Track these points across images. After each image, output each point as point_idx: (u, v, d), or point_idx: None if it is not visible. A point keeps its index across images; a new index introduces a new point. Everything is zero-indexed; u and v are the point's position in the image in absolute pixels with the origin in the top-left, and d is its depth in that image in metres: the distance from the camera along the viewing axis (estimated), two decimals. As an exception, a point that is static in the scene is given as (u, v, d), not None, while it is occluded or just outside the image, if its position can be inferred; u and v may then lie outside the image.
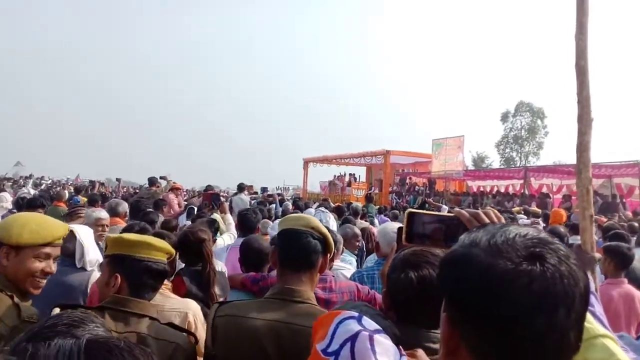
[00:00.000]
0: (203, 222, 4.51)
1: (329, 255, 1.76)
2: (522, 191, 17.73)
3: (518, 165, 40.71)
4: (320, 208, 8.28)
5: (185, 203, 9.03)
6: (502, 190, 19.78)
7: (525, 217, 9.17)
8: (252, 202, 9.94)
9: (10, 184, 19.00)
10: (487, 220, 0.99)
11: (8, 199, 7.91)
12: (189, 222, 5.76)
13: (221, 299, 2.81)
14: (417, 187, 22.85)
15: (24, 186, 17.04)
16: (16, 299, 1.65)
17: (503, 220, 0.98)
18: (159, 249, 1.75)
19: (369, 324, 0.96)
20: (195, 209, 7.16)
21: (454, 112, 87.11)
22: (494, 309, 0.66)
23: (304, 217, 1.78)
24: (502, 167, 38.54)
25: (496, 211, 1.04)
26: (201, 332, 1.97)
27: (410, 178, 23.83)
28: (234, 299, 2.55)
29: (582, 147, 1.80)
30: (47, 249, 1.75)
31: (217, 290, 2.77)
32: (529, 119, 46.12)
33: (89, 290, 2.58)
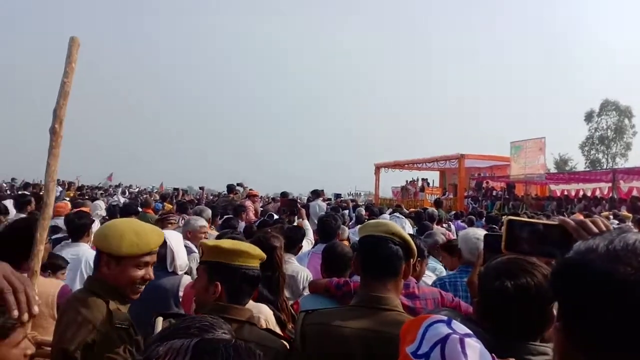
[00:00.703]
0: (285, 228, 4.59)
1: (411, 260, 1.74)
2: (610, 195, 16.58)
3: (605, 167, 38.15)
4: (395, 213, 8.19)
5: (262, 209, 9.26)
6: (589, 194, 18.62)
7: (617, 222, 8.56)
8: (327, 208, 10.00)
9: (102, 192, 20.41)
10: (595, 230, 0.93)
11: (102, 206, 8.50)
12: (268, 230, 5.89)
13: (291, 302, 2.86)
14: (494, 191, 22.02)
15: (114, 195, 18.26)
16: (111, 305, 1.74)
17: (612, 229, 0.92)
18: (254, 256, 1.78)
19: (459, 327, 0.95)
20: (274, 214, 7.33)
21: (532, 113, 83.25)
22: (614, 318, 0.63)
23: (384, 223, 1.75)
24: (587, 169, 36.29)
25: (605, 220, 0.98)
26: None
27: (487, 182, 23.02)
28: (314, 303, 2.58)
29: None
30: (147, 258, 1.82)
31: (286, 294, 2.81)
32: (615, 119, 43.28)
33: (180, 294, 2.71)
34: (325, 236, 4.33)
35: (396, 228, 1.71)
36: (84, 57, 2.05)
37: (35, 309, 0.86)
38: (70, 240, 3.72)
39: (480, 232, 2.89)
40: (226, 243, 1.80)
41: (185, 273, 3.05)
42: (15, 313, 0.83)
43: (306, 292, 3.15)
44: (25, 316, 0.84)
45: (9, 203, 6.20)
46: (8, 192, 15.84)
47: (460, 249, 3.16)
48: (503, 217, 10.41)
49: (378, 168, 27.52)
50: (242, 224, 6.23)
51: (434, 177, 26.76)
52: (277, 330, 2.10)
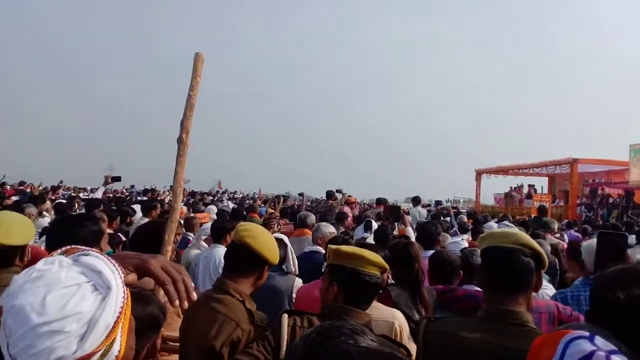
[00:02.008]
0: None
1: (542, 271, 1.64)
2: None
3: None
4: (504, 222, 7.80)
5: (361, 215, 9.27)
6: None
7: None
8: (427, 215, 9.80)
9: (211, 198, 21.68)
10: None
11: (214, 211, 9.03)
12: (367, 234, 5.90)
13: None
14: (611, 198, 20.15)
15: (221, 200, 19.33)
16: (248, 304, 1.86)
17: None
18: (373, 263, 1.80)
19: (603, 343, 0.88)
20: (373, 221, 7.31)
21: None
22: None
23: (513, 233, 1.67)
24: None
25: None
26: (407, 344, 1.97)
27: (602, 189, 21.11)
28: None
29: None
30: None
31: None
32: None
33: (294, 295, 2.80)
34: (425, 243, 4.24)
35: (527, 238, 1.63)
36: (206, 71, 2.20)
37: (194, 295, 0.92)
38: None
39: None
40: (347, 247, 1.88)
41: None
42: (177, 303, 0.89)
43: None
44: (186, 304, 0.90)
45: (137, 207, 6.82)
46: (128, 198, 17.37)
47: (584, 260, 2.94)
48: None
49: (479, 174, 26.41)
50: (341, 230, 6.28)
51: (541, 183, 25.14)
52: (410, 342, 2.10)
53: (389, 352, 0.68)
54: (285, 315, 1.69)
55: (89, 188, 19.12)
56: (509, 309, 1.55)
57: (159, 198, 11.73)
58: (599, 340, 0.89)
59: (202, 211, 8.59)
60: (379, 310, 2.20)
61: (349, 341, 0.68)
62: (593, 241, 2.98)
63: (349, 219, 8.74)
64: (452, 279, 2.98)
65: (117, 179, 8.06)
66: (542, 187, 24.28)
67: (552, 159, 21.31)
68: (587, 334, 0.90)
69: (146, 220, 5.37)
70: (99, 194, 7.88)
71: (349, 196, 10.23)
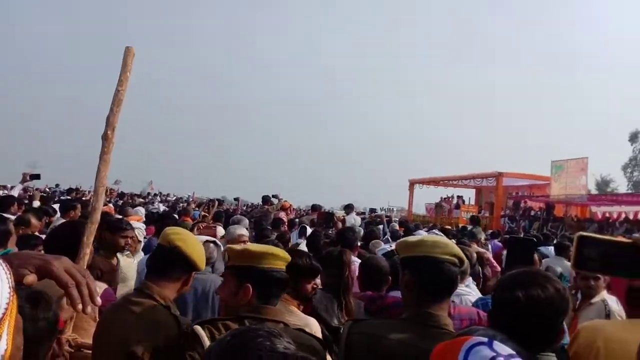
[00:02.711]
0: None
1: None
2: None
3: (650, 190, 36.67)
4: (434, 230, 8.08)
5: (297, 221, 9.29)
6: (631, 217, 17.88)
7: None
8: (362, 222, 9.96)
9: (141, 200, 20.91)
10: None
11: (142, 212, 8.71)
12: (301, 240, 5.92)
13: None
14: (533, 211, 21.42)
15: (152, 202, 18.69)
16: (172, 310, 1.79)
17: None
18: (281, 258, 1.82)
19: (502, 348, 0.91)
20: (307, 227, 7.34)
21: (573, 132, 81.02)
22: None
23: (445, 244, 1.71)
24: (630, 191, 34.95)
25: None
26: None
27: (525, 201, 22.39)
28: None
29: None
30: None
31: None
32: (662, 140, 41.72)
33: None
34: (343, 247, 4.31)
35: (456, 248, 1.69)
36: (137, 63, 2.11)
37: (98, 300, 0.88)
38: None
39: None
40: (254, 247, 1.87)
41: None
42: (80, 307, 0.84)
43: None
44: (89, 308, 0.85)
45: (57, 207, 6.43)
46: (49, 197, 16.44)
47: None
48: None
49: (412, 184, 27.27)
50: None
51: (469, 194, 26.33)
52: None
53: (303, 356, 0.67)
54: (199, 328, 1.61)
55: (9, 186, 17.90)
56: (431, 312, 1.60)
57: (83, 198, 11.15)
58: (497, 345, 0.92)
59: (129, 214, 8.24)
60: (295, 317, 2.21)
61: (266, 343, 0.66)
62: None
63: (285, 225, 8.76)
64: (381, 286, 3.03)
65: (36, 176, 7.61)
66: (469, 198, 25.48)
67: (479, 172, 22.43)
68: (485, 339, 0.93)
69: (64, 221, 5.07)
70: (15, 192, 7.40)
71: (285, 201, 10.22)
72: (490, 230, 12.96)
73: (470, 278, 4.10)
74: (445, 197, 26.23)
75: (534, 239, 2.07)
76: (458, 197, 25.36)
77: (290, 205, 12.22)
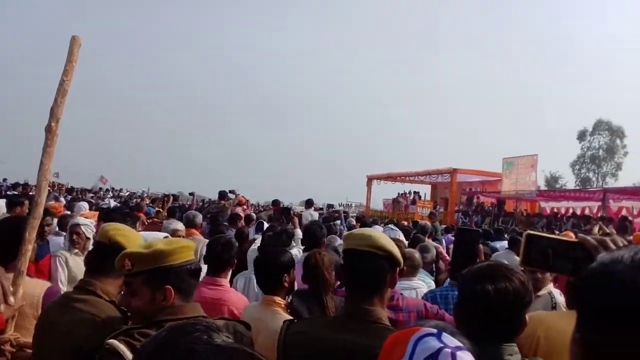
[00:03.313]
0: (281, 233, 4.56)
1: (397, 270, 1.71)
2: (599, 214, 16.70)
3: (595, 186, 38.53)
4: (389, 225, 8.20)
5: (254, 216, 9.24)
6: (578, 212, 18.73)
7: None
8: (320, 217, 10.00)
9: (92, 195, 20.25)
10: (614, 248, 0.93)
11: (86, 207, 8.40)
12: (258, 236, 5.89)
13: None
14: (485, 206, 22.12)
15: (105, 198, 18.12)
16: (119, 304, 1.74)
17: None
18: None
19: (450, 340, 0.93)
20: (265, 222, 7.30)
21: (525, 130, 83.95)
22: (636, 329, 0.62)
23: (368, 236, 1.68)
24: (577, 188, 36.61)
25: (623, 239, 0.98)
26: None
27: (478, 197, 23.11)
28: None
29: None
30: None
31: None
32: (607, 138, 44.03)
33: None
34: (310, 245, 4.23)
35: (380, 241, 1.66)
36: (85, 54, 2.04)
37: (11, 299, 0.84)
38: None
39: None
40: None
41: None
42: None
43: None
44: (2, 307, 0.82)
45: (2, 202, 6.13)
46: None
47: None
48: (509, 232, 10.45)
49: (370, 180, 27.62)
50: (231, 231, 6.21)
51: (425, 190, 26.89)
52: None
53: (241, 349, 0.66)
54: (115, 342, 1.44)
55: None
56: (365, 307, 1.60)
57: (30, 193, 10.68)
58: (446, 337, 0.94)
59: (79, 210, 7.95)
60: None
61: (203, 337, 0.65)
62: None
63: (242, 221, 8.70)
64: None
65: None
66: (425, 194, 26.01)
67: (435, 169, 22.93)
68: (435, 331, 0.95)
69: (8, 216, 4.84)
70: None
71: (241, 197, 10.13)
72: (444, 225, 13.29)
73: (426, 272, 4.20)
74: (402, 192, 26.72)
75: (480, 230, 2.13)
76: (414, 192, 25.89)
77: (247, 200, 12.13)
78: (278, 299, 2.40)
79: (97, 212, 6.73)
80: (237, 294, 2.97)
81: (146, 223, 4.78)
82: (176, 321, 1.40)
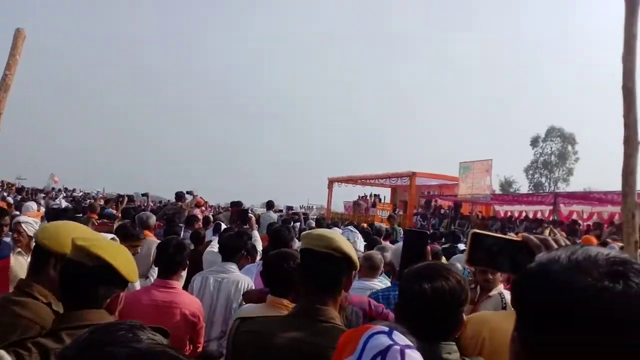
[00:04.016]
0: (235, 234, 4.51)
1: (353, 273, 1.74)
2: (551, 217, 17.36)
3: (547, 191, 39.99)
4: (349, 227, 8.26)
5: (211, 218, 9.12)
6: (531, 215, 19.39)
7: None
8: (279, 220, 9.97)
9: (43, 195, 19.51)
10: (556, 247, 0.95)
11: (34, 208, 8.10)
12: (215, 238, 5.82)
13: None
14: (442, 209, 22.61)
15: (56, 199, 17.49)
16: (55, 306, 1.68)
17: None
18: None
19: (400, 338, 0.95)
20: (222, 224, 7.22)
21: (481, 135, 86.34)
22: (572, 328, 0.63)
23: (325, 237, 1.70)
24: (530, 192, 37.90)
25: (565, 239, 1.01)
26: None
27: (435, 200, 23.61)
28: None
29: (628, 170, 1.76)
30: None
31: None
32: (559, 145, 45.70)
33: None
34: (277, 248, 4.21)
35: (337, 243, 1.67)
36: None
37: None
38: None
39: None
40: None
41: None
42: None
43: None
44: None
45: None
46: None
47: (392, 262, 3.22)
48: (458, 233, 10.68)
49: (331, 182, 27.77)
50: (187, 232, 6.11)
51: (385, 193, 27.24)
52: None
53: (162, 350, 0.65)
54: (3, 352, 1.32)
55: None
56: (317, 307, 1.61)
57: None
58: (396, 335, 0.96)
59: (28, 210, 7.65)
60: None
61: (129, 335, 0.64)
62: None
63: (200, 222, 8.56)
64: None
65: None
66: (384, 197, 26.36)
67: (394, 172, 23.30)
68: (386, 329, 0.97)
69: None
70: None
71: (199, 198, 9.97)
72: (402, 228, 13.50)
73: (385, 274, 4.25)
74: (363, 195, 26.96)
75: (427, 232, 2.19)
76: (375, 195, 26.16)
77: (206, 202, 11.96)
78: (286, 302, 2.31)
79: (43, 212, 6.50)
80: (189, 296, 2.92)
81: (96, 224, 4.64)
82: (77, 329, 1.35)
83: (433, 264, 1.61)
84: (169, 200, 21.54)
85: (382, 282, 3.80)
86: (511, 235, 1.08)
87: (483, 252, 1.03)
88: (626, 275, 0.64)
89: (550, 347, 0.66)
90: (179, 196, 9.55)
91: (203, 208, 10.72)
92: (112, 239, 2.89)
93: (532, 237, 1.01)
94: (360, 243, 6.91)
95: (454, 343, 1.47)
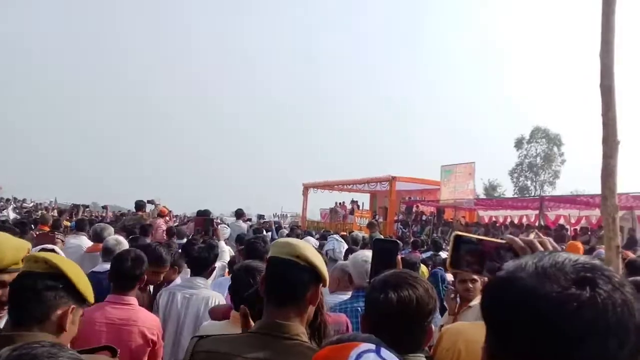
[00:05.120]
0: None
1: (320, 285, 1.69)
2: (537, 222, 17.64)
3: (533, 194, 40.66)
4: (334, 235, 8.26)
5: (175, 229, 9.01)
6: (516, 221, 19.70)
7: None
8: (249, 229, 9.91)
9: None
10: (541, 250, 0.96)
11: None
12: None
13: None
14: (424, 216, 22.77)
15: (3, 210, 17.03)
16: None
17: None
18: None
19: (389, 356, 0.96)
20: (184, 234, 7.15)
21: (463, 138, 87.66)
22: (538, 336, 0.64)
23: (290, 244, 1.68)
24: (515, 196, 38.54)
25: (553, 242, 1.02)
26: None
27: (417, 206, 23.75)
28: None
29: (608, 172, 1.80)
30: (5, 276, 1.66)
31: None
32: (544, 146, 46.40)
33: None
34: (250, 258, 4.16)
35: (301, 250, 1.63)
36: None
37: None
38: None
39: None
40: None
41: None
42: None
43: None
44: None
45: None
46: None
47: (350, 273, 3.22)
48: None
49: (307, 188, 27.70)
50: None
51: (364, 199, 27.31)
52: None
53: None
54: None
55: None
56: (279, 322, 1.58)
57: None
58: (385, 352, 0.96)
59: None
60: None
61: (53, 350, 0.63)
62: (357, 254, 3.31)
63: (160, 231, 8.44)
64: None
65: None
66: (362, 203, 26.44)
67: (373, 177, 23.36)
68: (373, 347, 0.96)
69: None
70: None
71: (163, 207, 9.86)
72: (383, 236, 13.57)
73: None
74: (341, 202, 26.96)
75: (398, 241, 2.22)
76: (353, 202, 26.21)
77: (170, 211, 11.81)
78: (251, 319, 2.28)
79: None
80: (147, 313, 2.87)
81: (35, 235, 4.53)
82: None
83: (400, 272, 1.63)
84: (128, 210, 21.26)
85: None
86: (496, 238, 1.08)
87: (465, 255, 1.04)
88: (594, 281, 0.65)
89: (515, 357, 0.67)
90: (140, 205, 9.40)
91: (167, 218, 10.60)
92: (52, 250, 2.83)
93: (517, 239, 1.01)
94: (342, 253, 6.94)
95: (424, 355, 1.47)
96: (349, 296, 3.58)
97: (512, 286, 0.69)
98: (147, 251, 3.17)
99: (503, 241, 1.03)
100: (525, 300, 0.66)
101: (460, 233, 1.07)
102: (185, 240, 7.30)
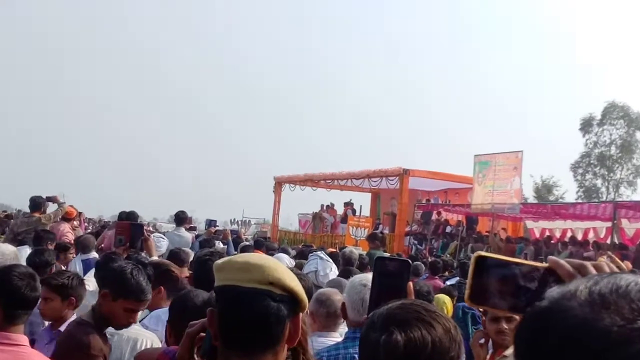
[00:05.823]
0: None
1: (300, 315, 1.66)
2: (609, 239, 17.71)
3: (605, 198, 40.77)
4: (318, 252, 8.29)
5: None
6: (580, 236, 19.83)
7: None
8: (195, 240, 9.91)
9: None
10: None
11: None
12: (90, 272, 5.75)
13: None
14: (449, 226, 22.65)
15: None
16: None
17: None
18: None
19: None
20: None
21: (506, 119, 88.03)
22: None
23: (255, 266, 1.60)
24: (579, 200, 38.66)
25: (613, 264, 1.03)
26: None
27: (438, 212, 23.61)
28: None
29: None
30: None
31: None
32: (622, 130, 45.99)
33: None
34: (203, 286, 4.09)
35: (274, 273, 1.59)
36: None
37: None
38: None
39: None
40: None
41: None
42: None
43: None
44: None
45: None
46: None
47: (345, 303, 3.21)
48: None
49: (279, 184, 27.24)
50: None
51: (363, 201, 27.11)
52: None
53: None
54: None
55: None
56: None
57: None
58: None
59: None
60: None
61: None
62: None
63: (66, 240, 8.43)
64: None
65: None
66: (360, 206, 26.20)
67: (377, 169, 22.94)
68: None
69: None
70: None
71: (69, 207, 9.80)
72: (389, 255, 13.60)
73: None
74: (329, 204, 26.66)
75: (409, 261, 2.20)
76: (346, 204, 25.88)
77: (80, 213, 11.74)
78: None
79: None
80: (41, 356, 2.88)
81: None
82: None
83: (411, 303, 1.59)
84: (18, 211, 21.02)
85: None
86: (537, 262, 1.09)
87: (491, 285, 1.04)
88: None
89: None
90: (36, 204, 9.33)
91: (75, 222, 10.54)
92: None
93: (562, 262, 1.02)
94: (334, 276, 6.99)
95: None
96: (340, 338, 3.62)
97: (558, 319, 0.71)
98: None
99: (544, 265, 1.03)
100: (575, 338, 0.68)
101: (483, 253, 1.08)
102: (93, 254, 7.33)
